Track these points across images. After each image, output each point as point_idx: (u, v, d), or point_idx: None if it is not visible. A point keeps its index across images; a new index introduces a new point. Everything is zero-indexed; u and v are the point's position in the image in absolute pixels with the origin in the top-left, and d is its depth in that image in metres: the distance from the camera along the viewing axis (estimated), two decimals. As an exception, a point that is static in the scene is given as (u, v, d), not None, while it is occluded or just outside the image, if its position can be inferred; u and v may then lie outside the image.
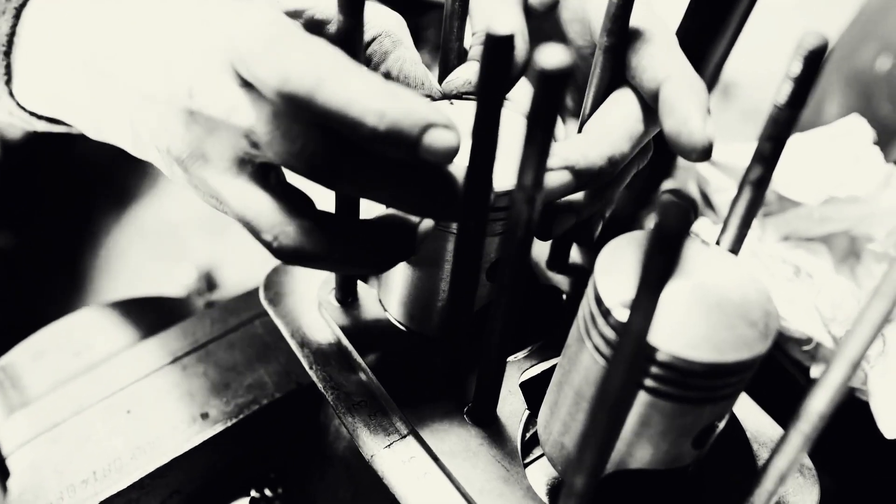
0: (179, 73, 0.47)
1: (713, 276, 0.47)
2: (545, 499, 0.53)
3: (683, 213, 0.31)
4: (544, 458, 0.56)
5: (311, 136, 0.44)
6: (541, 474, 0.56)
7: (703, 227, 0.79)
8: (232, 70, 0.46)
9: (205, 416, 0.62)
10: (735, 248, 0.51)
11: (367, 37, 0.53)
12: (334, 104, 0.42)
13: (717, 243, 0.51)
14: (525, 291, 0.49)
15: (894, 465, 0.72)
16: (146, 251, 0.89)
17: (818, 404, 0.43)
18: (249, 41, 0.44)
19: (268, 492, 0.62)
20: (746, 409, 0.59)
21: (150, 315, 0.71)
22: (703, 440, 0.48)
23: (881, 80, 0.95)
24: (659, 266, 0.33)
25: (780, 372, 0.71)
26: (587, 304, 0.46)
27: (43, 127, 0.59)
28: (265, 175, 0.48)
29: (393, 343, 0.59)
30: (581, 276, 0.66)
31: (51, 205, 0.89)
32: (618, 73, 0.55)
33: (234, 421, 0.62)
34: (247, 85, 0.45)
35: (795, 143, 0.75)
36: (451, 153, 0.43)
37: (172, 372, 0.64)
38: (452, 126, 0.43)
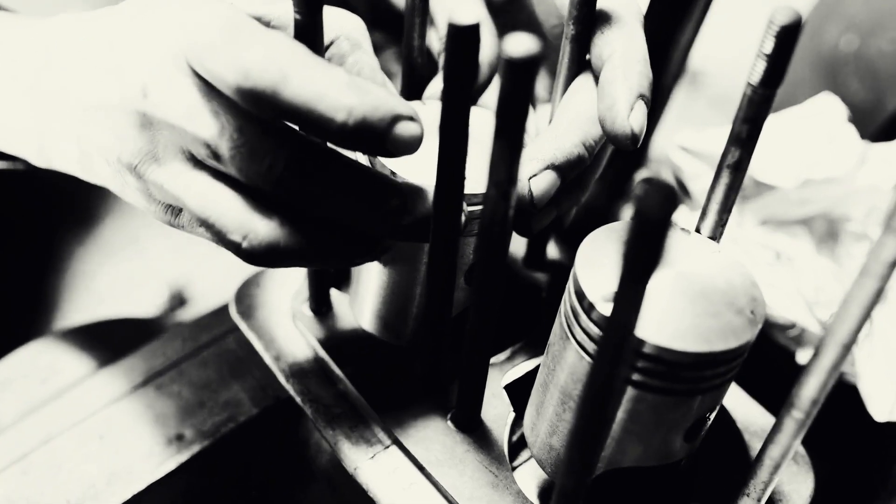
0: (132, 72, 0.44)
1: (696, 264, 0.46)
2: (536, 502, 0.51)
3: (664, 198, 0.29)
4: (532, 461, 0.55)
5: (279, 156, 0.42)
6: (530, 478, 0.55)
7: (681, 216, 0.78)
8: (188, 67, 0.43)
9: (181, 437, 0.60)
10: (715, 235, 0.50)
11: (325, 40, 0.51)
12: (301, 100, 0.40)
13: (697, 231, 0.50)
14: (504, 291, 0.47)
15: (885, 448, 0.72)
16: (113, 272, 0.87)
17: (810, 390, 0.41)
18: (205, 34, 0.42)
19: (250, 512, 0.60)
20: (735, 399, 0.58)
21: (118, 336, 0.69)
22: (695, 433, 0.47)
23: (849, 59, 0.94)
24: (643, 255, 0.31)
25: (765, 359, 0.70)
26: (569, 300, 0.45)
27: None
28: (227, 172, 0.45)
29: (371, 352, 0.57)
30: (560, 272, 0.65)
31: (9, 230, 0.86)
32: (585, 62, 0.54)
33: (212, 440, 0.60)
34: (205, 86, 0.43)
35: (768, 125, 0.74)
36: (416, 143, 0.43)
37: (145, 393, 0.62)
38: (416, 116, 0.42)
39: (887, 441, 0.70)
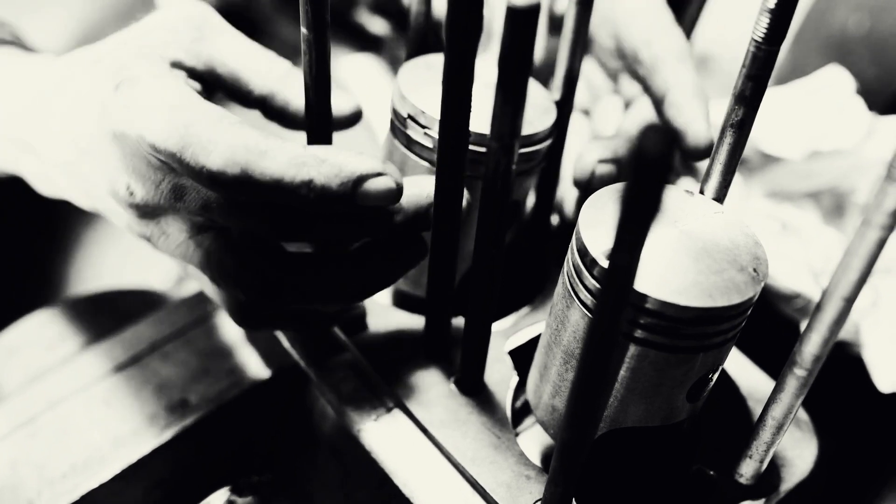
0: (114, 171, 0.49)
1: (699, 223, 0.46)
2: (539, 464, 0.51)
3: (664, 136, 0.29)
4: (536, 426, 0.55)
5: (263, 207, 0.46)
6: (533, 442, 0.55)
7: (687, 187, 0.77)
8: (157, 161, 0.47)
9: (185, 403, 0.60)
10: (720, 196, 0.49)
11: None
12: (266, 186, 0.43)
13: (701, 192, 0.50)
14: (508, 253, 0.47)
15: (892, 420, 0.71)
16: (119, 244, 0.87)
17: (812, 346, 0.41)
18: (165, 141, 0.44)
19: (254, 477, 0.60)
20: (740, 367, 0.58)
21: (124, 306, 0.69)
22: (697, 393, 0.47)
23: (859, 41, 0.94)
24: (643, 197, 0.31)
25: (770, 330, 0.70)
26: (572, 259, 0.45)
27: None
28: (225, 232, 0.49)
29: (374, 315, 0.58)
30: (564, 239, 0.65)
31: (15, 206, 0.87)
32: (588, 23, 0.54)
33: (216, 406, 0.60)
34: (178, 173, 0.47)
35: (775, 97, 0.74)
36: (391, 195, 0.45)
37: (150, 361, 0.62)
38: (385, 170, 0.45)
39: (893, 412, 0.70)
